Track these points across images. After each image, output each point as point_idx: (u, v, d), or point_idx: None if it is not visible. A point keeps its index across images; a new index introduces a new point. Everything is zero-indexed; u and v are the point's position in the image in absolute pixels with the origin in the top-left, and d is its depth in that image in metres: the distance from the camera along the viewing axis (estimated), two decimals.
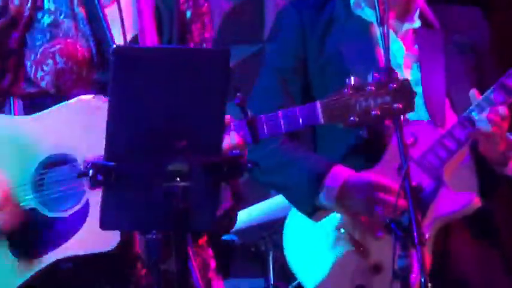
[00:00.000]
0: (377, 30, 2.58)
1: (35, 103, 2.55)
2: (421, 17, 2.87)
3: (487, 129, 2.60)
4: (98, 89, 2.45)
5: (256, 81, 2.91)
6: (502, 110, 2.61)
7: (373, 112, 2.27)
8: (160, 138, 1.97)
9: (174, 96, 2.01)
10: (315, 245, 2.77)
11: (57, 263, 2.34)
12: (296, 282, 3.53)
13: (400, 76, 2.28)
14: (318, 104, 2.24)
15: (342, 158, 2.74)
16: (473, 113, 2.62)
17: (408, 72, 2.79)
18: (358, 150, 2.77)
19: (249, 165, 2.08)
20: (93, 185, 2.05)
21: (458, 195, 2.67)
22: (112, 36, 2.37)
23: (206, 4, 2.68)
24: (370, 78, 2.28)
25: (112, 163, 1.95)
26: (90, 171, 2.00)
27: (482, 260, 2.78)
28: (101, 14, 2.49)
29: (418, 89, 2.75)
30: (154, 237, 2.30)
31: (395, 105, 2.30)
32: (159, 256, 2.38)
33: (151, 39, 2.53)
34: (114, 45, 2.23)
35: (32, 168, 2.37)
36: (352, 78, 2.29)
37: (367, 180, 2.62)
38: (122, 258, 2.48)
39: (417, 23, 2.86)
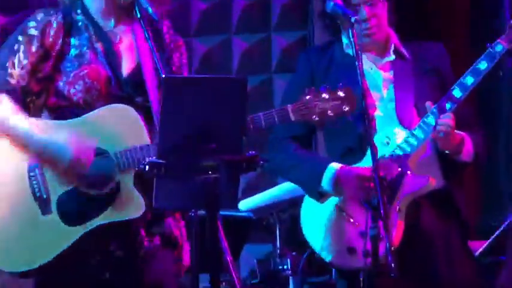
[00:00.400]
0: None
1: (65, 112, 2.92)
2: (396, 51, 3.33)
3: (439, 129, 3.08)
4: (115, 101, 2.85)
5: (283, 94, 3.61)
6: (449, 115, 3.09)
7: (329, 112, 2.71)
8: (196, 142, 2.43)
9: (206, 111, 2.48)
10: (321, 218, 3.31)
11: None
12: (304, 252, 4.00)
13: (347, 87, 2.68)
14: (289, 108, 2.70)
15: (340, 156, 3.28)
16: (429, 118, 3.13)
17: (385, 92, 3.29)
18: (351, 150, 3.29)
19: (261, 162, 2.53)
20: (147, 176, 2.50)
21: (419, 178, 3.17)
22: (162, 67, 2.76)
23: (181, 39, 3.08)
24: (322, 90, 2.68)
25: (163, 161, 2.42)
26: (147, 167, 2.45)
27: (444, 229, 3.25)
28: (114, 49, 2.93)
29: (392, 104, 3.28)
30: (193, 214, 2.68)
31: (344, 107, 2.72)
32: (197, 229, 2.69)
33: (149, 67, 2.92)
34: (164, 75, 2.67)
35: None
36: (307, 89, 2.72)
37: (353, 172, 3.12)
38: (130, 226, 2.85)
39: (392, 57, 3.33)
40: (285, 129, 3.31)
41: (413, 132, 3.15)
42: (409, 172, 3.16)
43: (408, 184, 3.20)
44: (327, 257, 3.29)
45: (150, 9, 2.84)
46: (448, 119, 3.05)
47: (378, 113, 3.26)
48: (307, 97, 2.74)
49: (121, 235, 2.90)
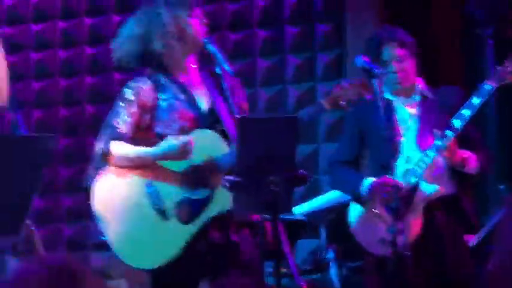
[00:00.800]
0: (392, 103, 3.55)
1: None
2: (421, 93, 3.59)
3: (443, 150, 3.39)
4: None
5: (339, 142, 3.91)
6: (450, 140, 3.36)
7: (352, 96, 3.09)
8: (264, 163, 2.82)
9: (269, 140, 2.87)
10: (362, 218, 3.63)
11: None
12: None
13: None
14: (323, 101, 3.12)
15: (376, 172, 3.56)
16: (437, 142, 3.40)
17: (411, 124, 3.60)
18: (383, 167, 3.51)
19: (309, 178, 2.98)
20: (231, 190, 2.88)
21: (430, 186, 3.46)
22: (233, 106, 3.13)
23: (239, 80, 3.35)
24: (345, 83, 3.12)
25: (239, 179, 2.84)
26: (227, 183, 2.86)
27: (453, 228, 3.52)
28: (192, 95, 3.22)
29: (414, 133, 3.56)
30: (260, 218, 3.11)
31: (362, 91, 3.10)
32: (263, 229, 3.14)
33: (221, 104, 3.23)
34: (239, 116, 3.05)
35: (178, 174, 3.12)
36: (335, 85, 3.18)
37: (380, 182, 3.45)
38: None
39: (418, 97, 3.61)
40: (339, 155, 3.72)
41: (426, 152, 3.46)
42: (422, 182, 3.43)
43: (422, 191, 3.49)
44: (368, 247, 3.62)
45: (227, 67, 3.15)
46: (449, 143, 3.36)
47: (402, 140, 3.56)
48: (334, 90, 3.12)
49: (218, 226, 3.17)
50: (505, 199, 4.18)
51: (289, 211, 3.70)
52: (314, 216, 4.49)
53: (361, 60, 3.39)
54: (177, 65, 3.26)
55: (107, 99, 5.03)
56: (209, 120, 3.25)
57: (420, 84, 3.65)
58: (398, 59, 3.57)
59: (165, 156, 3.13)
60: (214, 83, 3.28)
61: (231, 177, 2.91)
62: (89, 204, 3.28)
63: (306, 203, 4.50)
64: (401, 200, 3.24)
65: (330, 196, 4.51)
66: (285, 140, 2.95)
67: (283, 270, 3.55)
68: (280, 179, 2.84)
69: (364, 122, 3.65)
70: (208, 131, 3.19)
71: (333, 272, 4.36)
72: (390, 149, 3.45)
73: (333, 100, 3.09)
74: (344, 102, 3.12)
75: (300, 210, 4.45)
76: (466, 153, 3.46)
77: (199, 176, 3.15)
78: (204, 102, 3.29)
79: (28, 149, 2.60)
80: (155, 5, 3.30)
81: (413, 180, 3.50)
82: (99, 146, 3.20)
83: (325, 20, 5.28)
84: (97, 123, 3.59)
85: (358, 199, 3.59)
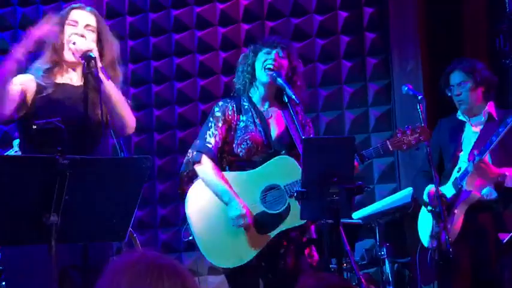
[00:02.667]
0: (464, 123, 3.59)
1: (233, 164, 3.23)
2: (488, 114, 3.60)
3: (476, 166, 3.41)
4: (266, 155, 3.16)
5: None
6: (482, 161, 3.38)
7: (412, 142, 3.15)
8: (325, 177, 2.84)
9: (330, 157, 2.90)
10: (422, 218, 3.72)
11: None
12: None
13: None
14: (388, 142, 3.16)
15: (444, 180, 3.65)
16: (476, 158, 3.40)
17: (472, 140, 3.59)
18: (444, 176, 3.63)
19: (365, 188, 2.96)
20: (297, 199, 2.93)
21: (468, 192, 3.49)
22: (302, 131, 3.12)
23: (309, 118, 3.41)
24: (406, 129, 3.11)
25: (304, 189, 2.87)
26: (295, 194, 2.95)
27: (493, 228, 3.52)
28: (266, 122, 3.24)
29: (470, 148, 3.55)
30: (324, 222, 3.08)
31: (420, 137, 3.14)
32: (327, 236, 3.09)
33: (294, 131, 3.22)
34: (304, 137, 3.06)
35: (259, 192, 3.16)
36: (397, 129, 3.20)
37: (429, 190, 3.53)
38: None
39: (483, 118, 3.62)
40: (423, 166, 3.69)
41: (467, 166, 3.49)
42: (463, 188, 3.48)
43: (461, 196, 3.53)
44: (424, 241, 3.67)
45: (293, 96, 3.16)
46: (480, 161, 3.37)
47: (461, 154, 3.60)
48: (398, 134, 3.16)
49: (289, 237, 3.20)
50: None
51: (349, 216, 3.74)
52: (370, 219, 4.52)
53: (405, 88, 3.46)
54: (261, 96, 3.31)
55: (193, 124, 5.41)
56: (277, 147, 3.27)
57: (488, 107, 3.66)
58: (460, 84, 3.62)
59: (227, 205, 3.14)
60: (286, 112, 3.31)
61: (298, 188, 2.97)
62: (178, 214, 3.32)
63: (363, 209, 4.55)
64: (443, 205, 3.29)
65: (383, 203, 4.56)
66: (344, 157, 2.98)
67: (345, 265, 3.85)
68: (340, 190, 2.86)
69: (442, 139, 3.71)
70: (289, 158, 3.22)
71: (386, 266, 4.38)
72: (451, 161, 3.57)
73: (396, 143, 3.15)
74: (405, 147, 3.20)
75: (358, 215, 4.49)
76: (503, 170, 3.47)
77: (275, 196, 3.19)
78: (276, 130, 3.31)
79: (130, 169, 2.58)
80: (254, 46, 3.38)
81: (455, 188, 3.54)
82: (190, 154, 3.27)
83: (374, 55, 5.32)
84: (184, 145, 3.75)
85: (423, 203, 3.67)
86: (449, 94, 3.56)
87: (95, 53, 2.73)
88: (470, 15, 5.09)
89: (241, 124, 3.27)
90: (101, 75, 2.72)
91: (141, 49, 5.64)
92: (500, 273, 3.45)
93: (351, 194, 2.95)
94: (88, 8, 2.91)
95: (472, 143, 3.60)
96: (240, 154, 3.23)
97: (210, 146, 3.21)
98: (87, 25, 2.85)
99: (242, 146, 3.23)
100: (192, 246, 3.41)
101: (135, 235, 4.15)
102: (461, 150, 3.61)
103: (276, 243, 3.17)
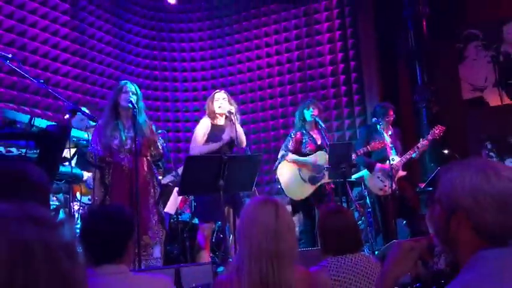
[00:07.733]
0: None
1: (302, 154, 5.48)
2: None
3: None
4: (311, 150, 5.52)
5: None
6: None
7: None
8: (341, 163, 5.33)
9: (345, 152, 5.47)
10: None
11: None
12: None
13: None
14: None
15: None
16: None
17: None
18: None
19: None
20: (327, 170, 5.34)
21: None
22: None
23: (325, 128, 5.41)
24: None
25: (329, 166, 5.39)
26: (325, 167, 5.68)
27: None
28: (313, 137, 5.41)
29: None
30: (338, 180, 5.30)
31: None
32: (340, 185, 5.49)
33: (324, 141, 5.33)
34: (329, 143, 5.29)
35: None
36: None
37: None
38: None
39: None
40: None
41: None
42: None
43: None
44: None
45: (322, 124, 5.35)
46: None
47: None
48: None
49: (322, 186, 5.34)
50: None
51: (349, 177, 5.77)
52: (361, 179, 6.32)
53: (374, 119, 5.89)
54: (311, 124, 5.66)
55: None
56: (318, 149, 5.48)
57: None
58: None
59: (307, 163, 5.33)
60: (320, 131, 5.59)
61: (326, 165, 5.38)
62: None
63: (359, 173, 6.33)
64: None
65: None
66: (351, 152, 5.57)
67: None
68: (346, 166, 5.18)
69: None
70: (323, 152, 5.37)
71: (367, 200, 6.06)
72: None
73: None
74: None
75: (356, 176, 6.25)
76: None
77: (317, 169, 5.31)
78: (318, 141, 5.60)
79: (252, 160, 4.04)
80: None
81: None
82: (281, 152, 5.51)
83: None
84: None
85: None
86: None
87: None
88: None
89: (306, 138, 5.57)
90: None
91: None
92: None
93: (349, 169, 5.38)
94: None
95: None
96: (303, 151, 5.63)
97: (290, 148, 5.58)
98: None
99: (304, 149, 5.50)
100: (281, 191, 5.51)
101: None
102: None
103: (318, 189, 5.37)
